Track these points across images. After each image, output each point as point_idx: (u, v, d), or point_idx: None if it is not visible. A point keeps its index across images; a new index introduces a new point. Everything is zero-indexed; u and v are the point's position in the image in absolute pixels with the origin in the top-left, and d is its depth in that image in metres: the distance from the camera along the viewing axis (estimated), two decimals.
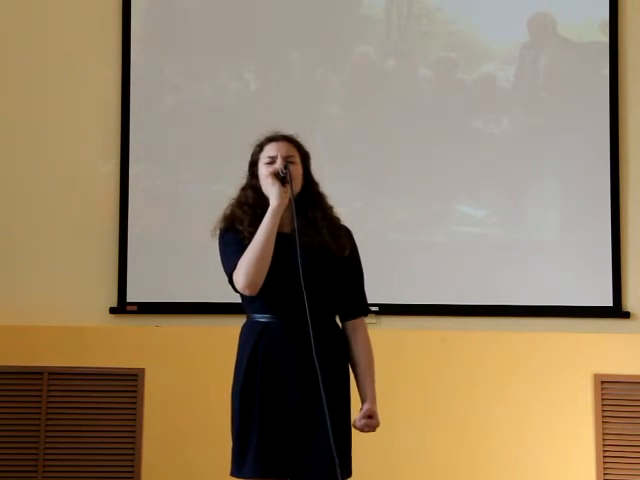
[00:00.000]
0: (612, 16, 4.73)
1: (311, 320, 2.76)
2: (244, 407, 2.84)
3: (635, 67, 4.73)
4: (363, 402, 2.92)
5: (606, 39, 4.73)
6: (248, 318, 2.96)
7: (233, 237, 2.89)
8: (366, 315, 3.03)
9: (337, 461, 2.69)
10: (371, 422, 2.88)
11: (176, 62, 4.83)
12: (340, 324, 3.01)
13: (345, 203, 4.71)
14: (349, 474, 2.90)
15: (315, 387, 2.79)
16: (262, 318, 2.89)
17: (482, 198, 4.75)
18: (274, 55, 4.82)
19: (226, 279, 2.90)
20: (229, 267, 2.86)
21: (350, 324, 2.98)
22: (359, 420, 2.88)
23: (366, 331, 3.00)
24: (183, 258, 4.65)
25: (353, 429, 2.91)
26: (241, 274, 2.80)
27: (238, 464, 2.85)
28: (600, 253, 4.64)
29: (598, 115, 4.70)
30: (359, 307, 3.00)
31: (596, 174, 4.69)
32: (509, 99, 4.80)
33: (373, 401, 2.92)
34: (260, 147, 2.99)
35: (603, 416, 4.47)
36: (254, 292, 2.82)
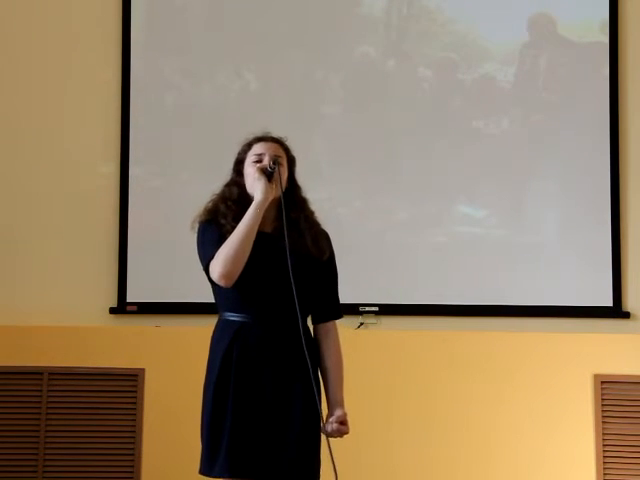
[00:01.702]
0: (612, 16, 4.74)
1: (287, 322, 2.79)
2: (216, 407, 2.83)
3: (635, 67, 4.73)
4: (333, 407, 2.89)
5: (606, 39, 4.74)
6: (221, 317, 2.95)
7: (214, 229, 2.88)
8: (338, 319, 3.01)
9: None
10: (343, 428, 2.86)
11: (176, 62, 4.83)
12: (312, 327, 2.99)
13: (345, 203, 4.78)
14: (318, 478, 2.87)
15: (288, 389, 2.81)
16: (236, 317, 2.88)
17: (482, 198, 4.75)
18: (274, 55, 4.82)
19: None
20: (207, 256, 2.84)
21: (322, 327, 2.97)
22: (330, 425, 2.85)
23: (337, 335, 2.99)
24: (183, 258, 4.60)
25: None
26: (218, 263, 2.78)
27: (208, 463, 2.83)
28: (600, 253, 4.65)
29: (598, 115, 4.70)
30: (332, 310, 2.99)
31: (596, 174, 4.69)
32: (509, 99, 4.80)
33: (343, 407, 2.90)
34: (248, 146, 2.98)
35: (603, 416, 4.47)
36: (229, 283, 2.79)
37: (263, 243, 2.83)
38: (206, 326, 4.54)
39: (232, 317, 2.89)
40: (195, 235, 2.94)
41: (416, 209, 4.76)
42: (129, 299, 4.68)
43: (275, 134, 3.01)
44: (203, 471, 2.85)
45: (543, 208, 4.74)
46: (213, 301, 4.51)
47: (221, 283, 2.80)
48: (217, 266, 2.78)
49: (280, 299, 2.82)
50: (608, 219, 4.65)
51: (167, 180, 4.79)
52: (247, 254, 2.78)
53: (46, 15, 4.83)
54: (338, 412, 2.87)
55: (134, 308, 4.67)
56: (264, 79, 4.84)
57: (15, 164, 4.76)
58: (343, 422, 2.86)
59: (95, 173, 4.78)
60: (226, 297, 2.88)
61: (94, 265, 4.71)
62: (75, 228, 4.73)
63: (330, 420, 2.86)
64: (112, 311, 4.68)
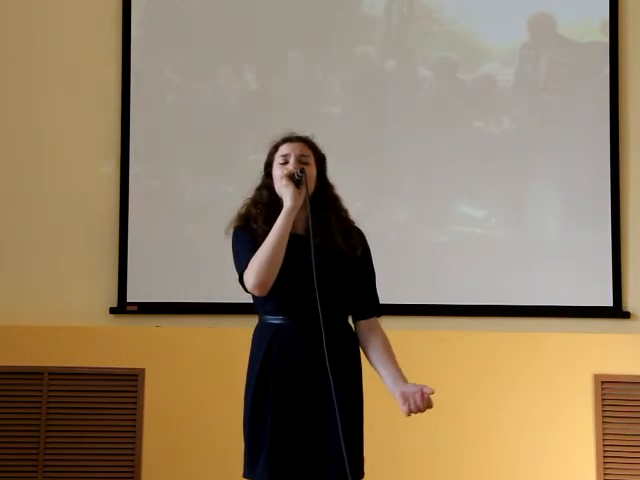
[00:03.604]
0: (612, 16, 4.73)
1: (324, 321, 2.75)
2: (256, 408, 2.83)
3: (635, 67, 4.73)
4: (403, 385, 2.86)
5: (606, 39, 4.73)
6: (260, 320, 2.95)
7: (247, 236, 2.89)
8: (379, 315, 3.01)
9: (347, 462, 2.68)
10: (430, 401, 2.83)
11: (176, 62, 4.83)
12: (353, 325, 2.99)
13: (345, 203, 4.77)
14: (362, 475, 2.88)
15: (327, 389, 2.77)
16: (275, 320, 2.88)
17: (482, 198, 4.75)
18: (274, 55, 4.81)
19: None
20: (241, 266, 2.85)
21: (364, 324, 2.97)
22: (415, 396, 2.82)
23: (382, 330, 2.99)
24: (183, 258, 4.65)
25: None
26: (251, 274, 2.79)
27: (250, 466, 2.84)
28: (600, 253, 4.64)
29: (598, 115, 4.70)
30: (372, 307, 2.99)
31: (596, 174, 4.69)
32: (509, 99, 4.80)
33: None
34: (275, 147, 2.99)
35: (603, 416, 4.48)
36: (263, 292, 2.80)
37: (296, 245, 2.84)
38: (207, 327, 4.59)
39: (271, 320, 2.89)
40: (230, 240, 2.94)
41: (416, 209, 4.76)
42: (129, 299, 4.68)
43: (301, 133, 3.04)
44: (245, 474, 2.86)
45: (543, 208, 4.73)
46: (213, 301, 4.54)
47: (255, 293, 2.82)
48: (250, 277, 2.79)
49: (314, 300, 2.78)
50: (608, 219, 4.65)
51: (167, 180, 4.79)
52: (279, 263, 2.79)
53: (46, 15, 4.82)
54: (418, 386, 2.84)
55: (134, 308, 4.67)
56: (264, 79, 4.83)
57: (15, 164, 4.76)
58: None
59: (95, 173, 4.78)
60: (264, 301, 2.88)
61: (94, 265, 4.71)
62: (75, 228, 4.72)
63: (415, 390, 2.82)
64: (112, 311, 4.68)
